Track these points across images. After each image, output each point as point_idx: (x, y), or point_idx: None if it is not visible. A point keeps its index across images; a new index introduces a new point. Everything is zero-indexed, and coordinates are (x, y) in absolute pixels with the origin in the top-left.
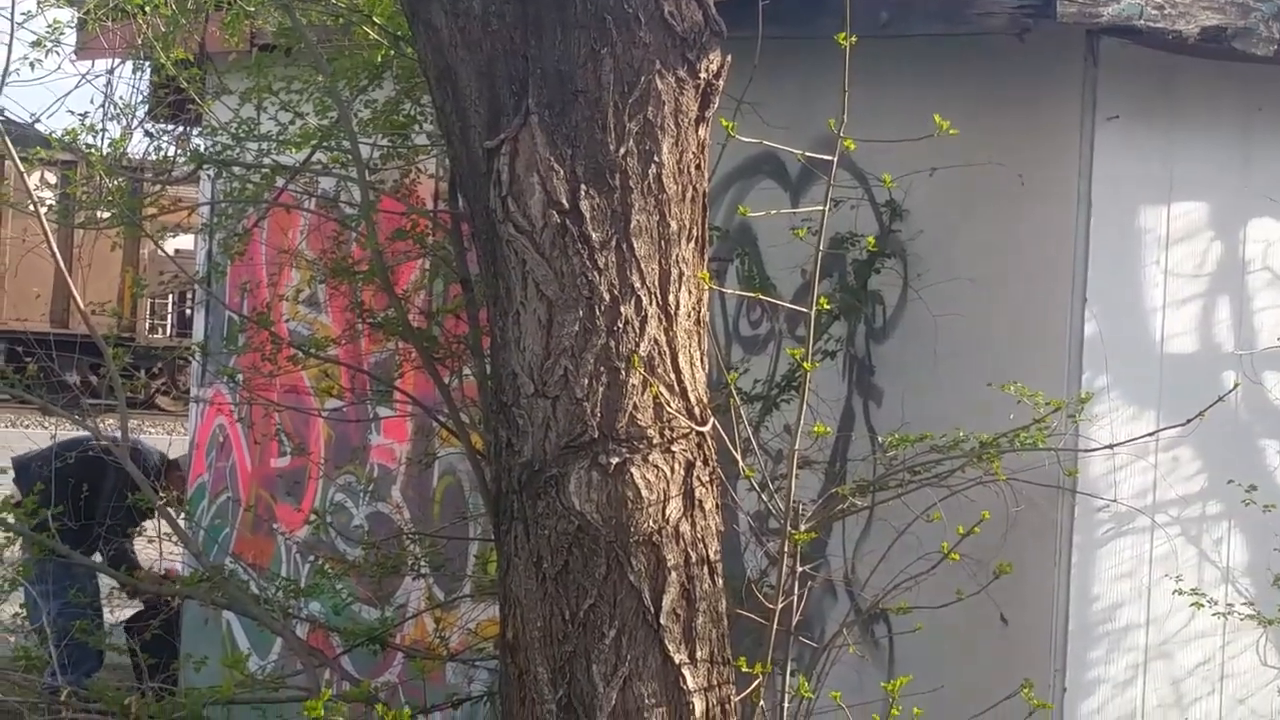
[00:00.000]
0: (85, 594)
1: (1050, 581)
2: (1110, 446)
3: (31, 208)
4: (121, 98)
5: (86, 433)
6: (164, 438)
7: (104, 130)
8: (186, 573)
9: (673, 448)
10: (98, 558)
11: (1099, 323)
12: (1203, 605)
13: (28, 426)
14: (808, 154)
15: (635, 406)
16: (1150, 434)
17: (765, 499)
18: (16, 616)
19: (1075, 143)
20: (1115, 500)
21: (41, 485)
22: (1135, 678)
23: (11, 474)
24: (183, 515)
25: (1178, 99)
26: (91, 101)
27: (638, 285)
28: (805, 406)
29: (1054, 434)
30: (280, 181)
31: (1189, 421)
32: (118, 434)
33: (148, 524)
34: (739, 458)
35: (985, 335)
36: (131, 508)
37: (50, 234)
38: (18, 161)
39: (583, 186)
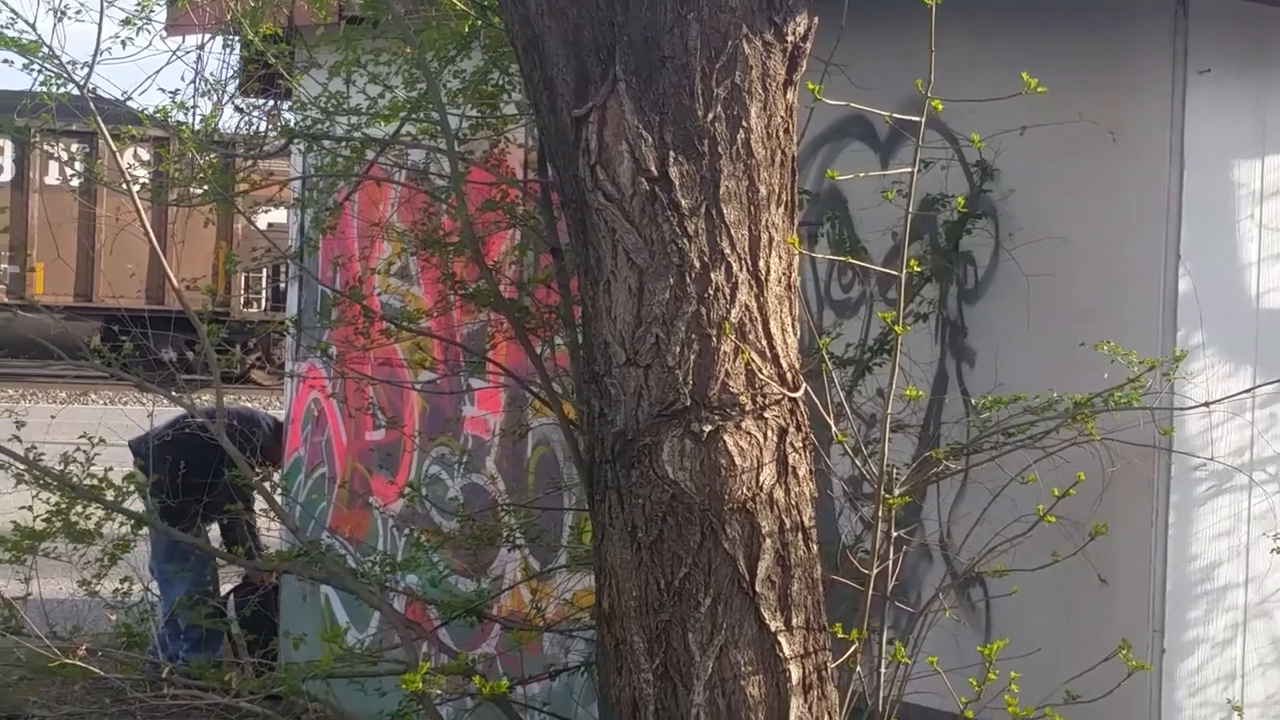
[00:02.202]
0: (200, 571)
1: (1147, 542)
2: (1206, 404)
3: (125, 186)
4: (212, 74)
5: (199, 409)
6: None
7: (195, 106)
8: (285, 548)
9: (765, 414)
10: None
11: (1193, 279)
12: None
13: (125, 403)
14: (896, 115)
15: (727, 373)
16: (1247, 391)
17: (859, 464)
18: (116, 592)
19: (1167, 97)
20: (1212, 458)
21: (141, 462)
22: (1234, 637)
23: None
24: (279, 490)
25: (1270, 51)
26: (182, 78)
27: (728, 251)
28: (898, 370)
29: (1149, 393)
30: (370, 155)
31: None
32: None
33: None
34: (832, 423)
35: (1078, 294)
36: (230, 485)
37: (144, 211)
38: (110, 140)
39: (671, 153)
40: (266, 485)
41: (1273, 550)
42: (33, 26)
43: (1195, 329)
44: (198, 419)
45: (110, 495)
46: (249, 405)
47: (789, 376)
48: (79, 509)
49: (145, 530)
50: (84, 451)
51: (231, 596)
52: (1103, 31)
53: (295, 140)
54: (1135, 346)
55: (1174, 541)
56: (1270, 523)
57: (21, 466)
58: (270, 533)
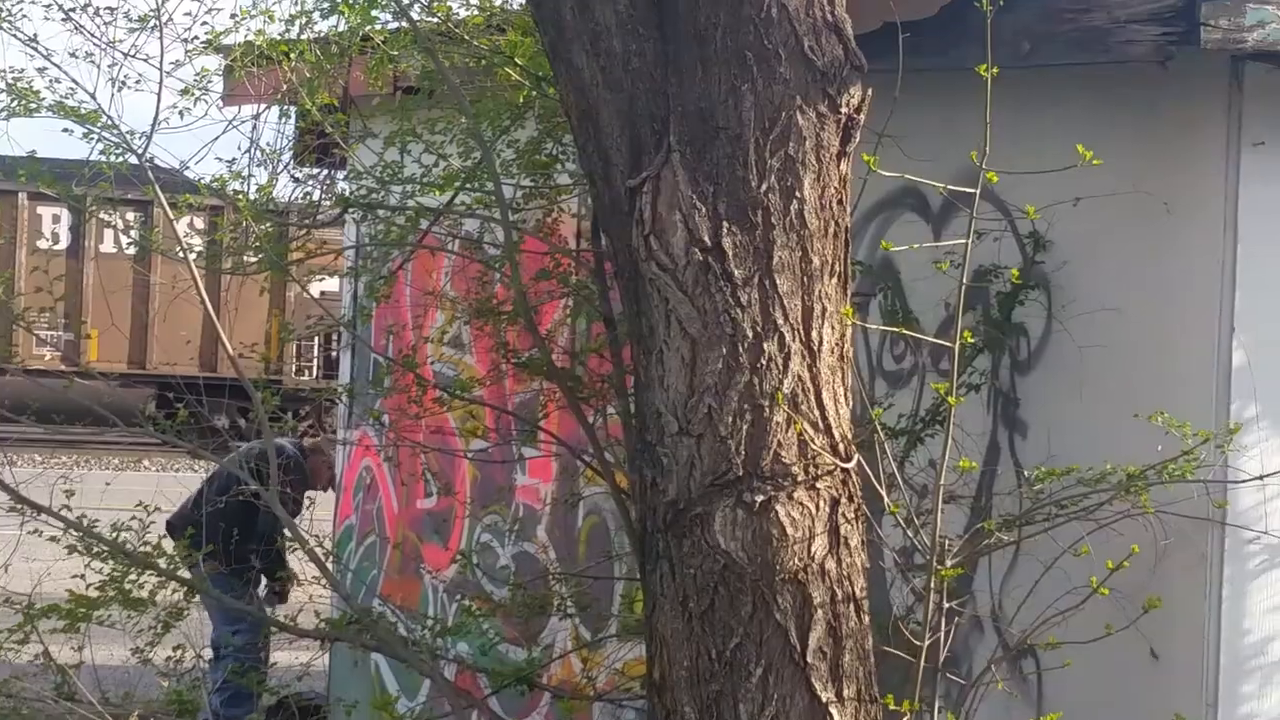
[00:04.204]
0: (251, 637)
1: (1200, 615)
2: (1260, 478)
3: (181, 254)
4: (268, 143)
5: (230, 469)
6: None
7: (250, 175)
8: (336, 615)
9: (817, 484)
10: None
11: (1247, 352)
12: None
13: (178, 470)
14: (950, 187)
15: (779, 443)
16: None
17: (911, 535)
18: (169, 660)
19: (1221, 169)
20: (1266, 532)
21: (193, 530)
22: None
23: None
24: (330, 558)
25: None
26: (238, 147)
27: (781, 322)
28: (950, 441)
29: (1202, 465)
30: (424, 223)
31: None
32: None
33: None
34: (884, 493)
35: (1131, 365)
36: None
37: (199, 279)
38: (167, 208)
39: (725, 224)
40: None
41: None
42: (93, 96)
43: (1249, 401)
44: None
45: (163, 563)
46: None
47: (841, 447)
48: (133, 577)
49: (197, 599)
50: (139, 519)
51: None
52: (1157, 103)
53: (350, 209)
54: (1189, 418)
55: (1227, 615)
56: None
57: (77, 533)
58: (322, 599)
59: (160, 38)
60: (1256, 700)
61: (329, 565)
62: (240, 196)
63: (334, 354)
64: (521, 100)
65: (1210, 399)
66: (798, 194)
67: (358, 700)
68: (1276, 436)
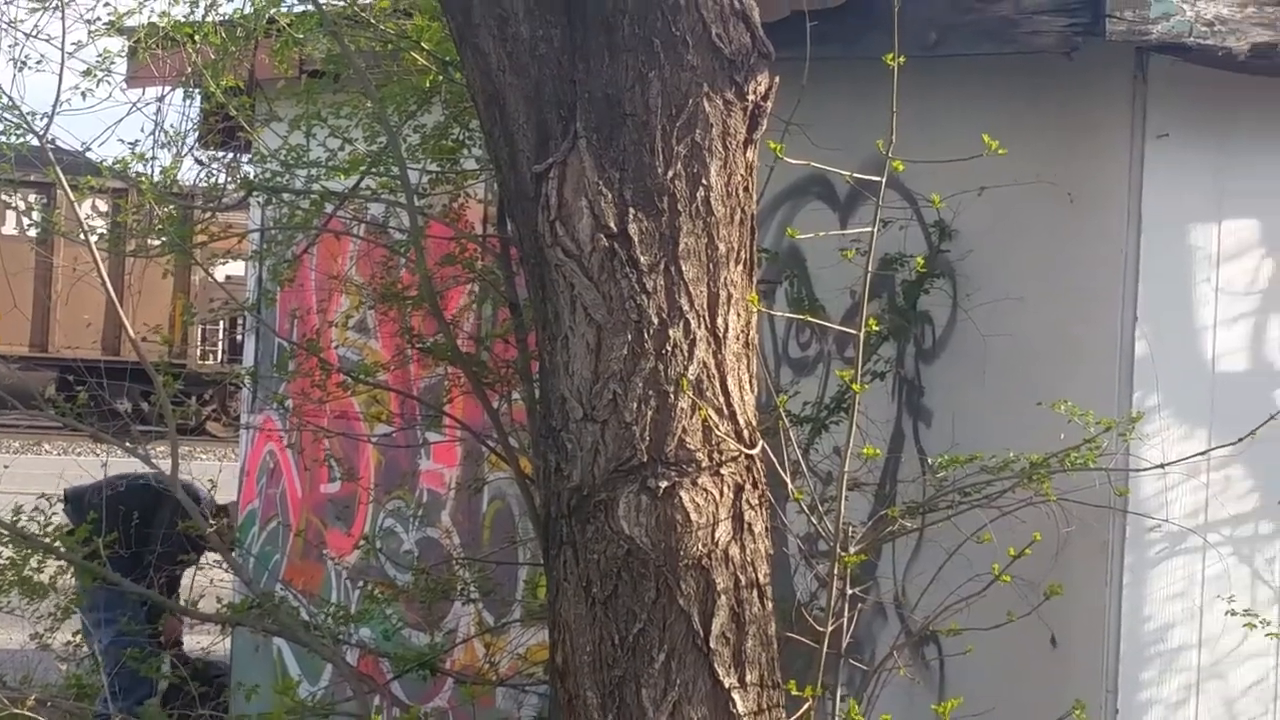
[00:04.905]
0: (137, 621)
1: (1101, 602)
2: (1161, 466)
3: (83, 236)
4: (172, 125)
5: (139, 463)
6: (215, 464)
7: (154, 158)
8: (237, 599)
9: (722, 471)
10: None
11: (1149, 341)
12: (1255, 626)
13: (80, 454)
14: (856, 175)
15: (684, 430)
16: (1202, 453)
17: (815, 521)
18: (69, 644)
19: (1125, 160)
20: (1167, 520)
21: (95, 514)
22: (1188, 699)
23: (64, 505)
24: (233, 542)
25: (1228, 115)
26: (142, 130)
27: (686, 308)
28: (855, 428)
29: (1105, 454)
30: (329, 207)
31: (1240, 440)
32: (168, 462)
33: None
34: (788, 480)
35: (1035, 354)
36: (183, 536)
37: (101, 262)
38: (68, 190)
39: (631, 210)
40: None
41: (1227, 612)
42: None
43: (1151, 391)
44: (153, 470)
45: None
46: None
47: (746, 433)
48: (34, 563)
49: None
50: (41, 510)
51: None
52: (1062, 95)
53: (254, 192)
54: (1092, 407)
55: (1128, 602)
56: (1224, 585)
57: None
58: (224, 585)
59: (62, 18)
60: (1156, 687)
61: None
62: (144, 179)
63: (239, 338)
64: (428, 85)
65: (1113, 388)
66: (704, 181)
67: (258, 685)
68: (1177, 425)
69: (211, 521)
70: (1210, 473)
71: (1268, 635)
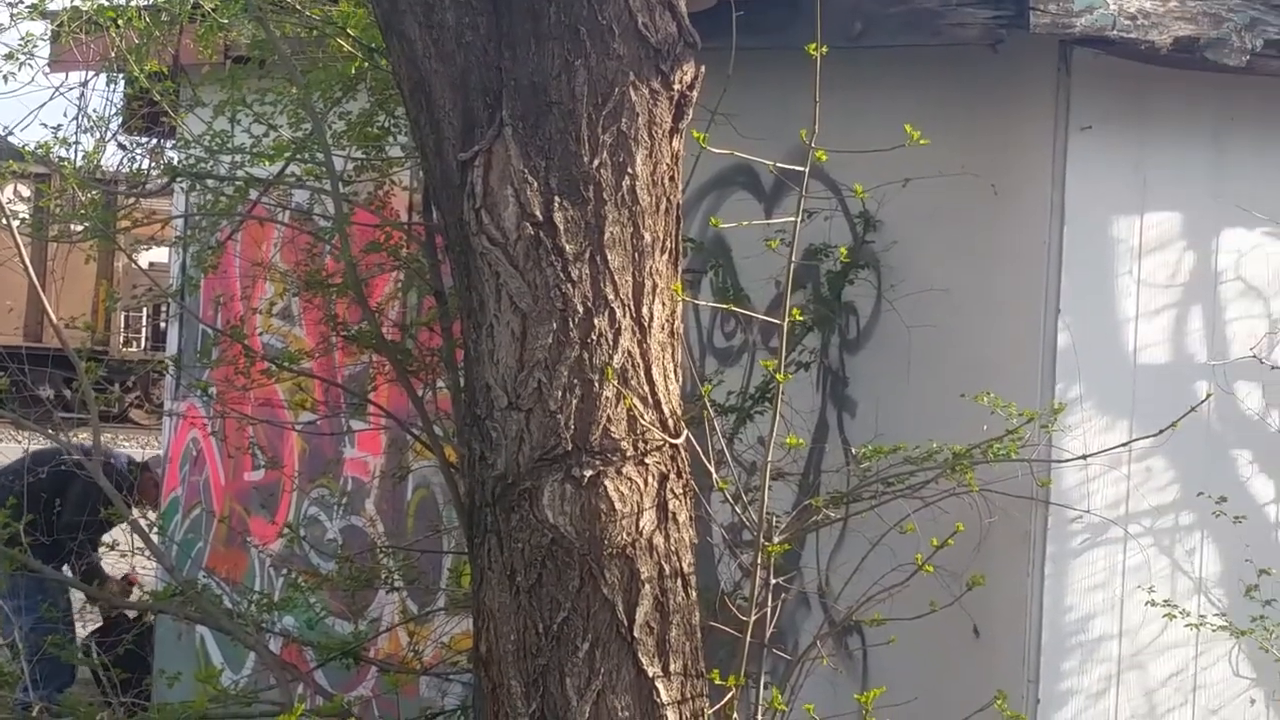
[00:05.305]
0: (57, 608)
1: (1023, 593)
2: (1083, 457)
3: (3, 221)
4: (95, 110)
5: (56, 445)
6: (138, 451)
7: (77, 143)
8: (159, 587)
9: (646, 460)
10: (68, 571)
11: (1072, 333)
12: (1175, 616)
13: (1, 440)
14: (779, 165)
15: (609, 419)
16: (1123, 445)
17: (739, 511)
18: None
19: (1048, 153)
20: (1088, 511)
21: (14, 500)
22: (1108, 689)
23: None
24: (155, 529)
25: (1151, 109)
26: (65, 114)
27: (611, 297)
28: (779, 418)
29: (1027, 445)
30: (254, 194)
31: (1161, 432)
32: (88, 444)
33: (116, 537)
34: (713, 470)
35: (958, 345)
36: (103, 521)
37: (23, 247)
38: None
39: (556, 198)
40: (142, 523)
41: (1147, 603)
42: None
43: (1074, 382)
44: (72, 456)
45: None
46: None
47: (671, 423)
48: None
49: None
50: None
51: (94, 640)
52: (986, 86)
53: (178, 178)
54: (1015, 399)
55: (1049, 593)
56: (1145, 576)
57: None
58: (145, 571)
59: None
60: (1076, 676)
61: (153, 537)
62: (66, 164)
63: (162, 325)
64: (354, 72)
65: (1035, 379)
66: (630, 170)
67: (180, 673)
68: (1099, 416)
69: (130, 497)
70: (1131, 464)
71: (1187, 626)
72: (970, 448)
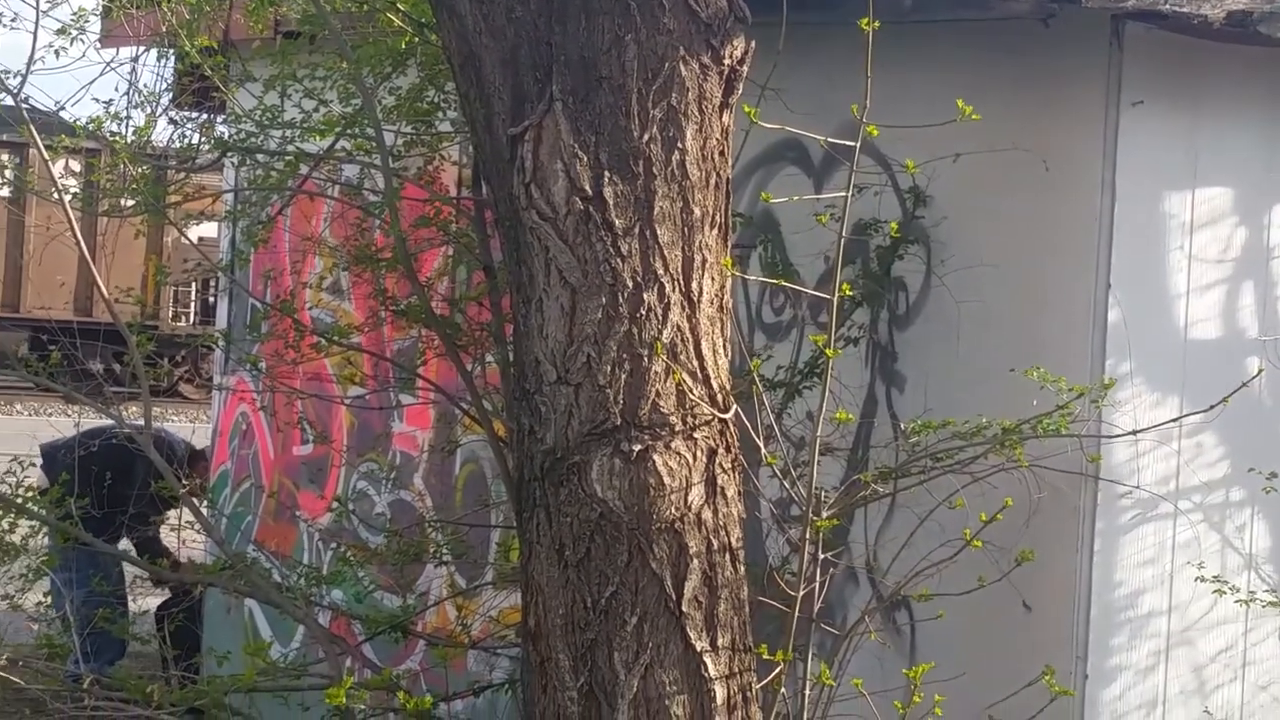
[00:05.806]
0: (109, 582)
1: (1072, 568)
2: (1133, 433)
3: (56, 196)
4: (146, 85)
5: (111, 421)
6: (188, 425)
7: (128, 118)
8: (209, 561)
9: (695, 435)
10: (124, 545)
11: (1122, 308)
12: (1225, 592)
13: (51, 415)
14: (830, 140)
15: (658, 393)
16: (1173, 420)
17: (787, 486)
18: (39, 605)
19: (1100, 128)
20: (1138, 486)
21: (67, 474)
22: (1157, 664)
23: (40, 461)
24: (206, 503)
25: (1203, 83)
26: (116, 89)
27: (660, 272)
28: (828, 393)
29: (1077, 420)
30: (304, 169)
31: (1212, 408)
32: (141, 422)
33: (171, 513)
34: (761, 445)
35: (1008, 321)
36: (156, 495)
37: (74, 222)
38: (42, 149)
39: (606, 173)
40: (192, 498)
41: (1196, 579)
42: None
43: (1124, 358)
44: (124, 430)
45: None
46: (164, 428)
47: (719, 398)
48: (4, 524)
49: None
50: (13, 472)
51: (155, 618)
52: (1038, 62)
53: (228, 153)
54: (1064, 374)
55: (1098, 568)
56: (1194, 551)
57: None
58: (195, 545)
59: None
60: (1126, 652)
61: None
62: (117, 139)
63: (211, 299)
64: (404, 46)
65: (1086, 355)
66: (679, 145)
67: (229, 648)
68: (1150, 392)
69: (187, 470)
70: (1182, 440)
71: (1237, 602)
72: (1020, 423)
